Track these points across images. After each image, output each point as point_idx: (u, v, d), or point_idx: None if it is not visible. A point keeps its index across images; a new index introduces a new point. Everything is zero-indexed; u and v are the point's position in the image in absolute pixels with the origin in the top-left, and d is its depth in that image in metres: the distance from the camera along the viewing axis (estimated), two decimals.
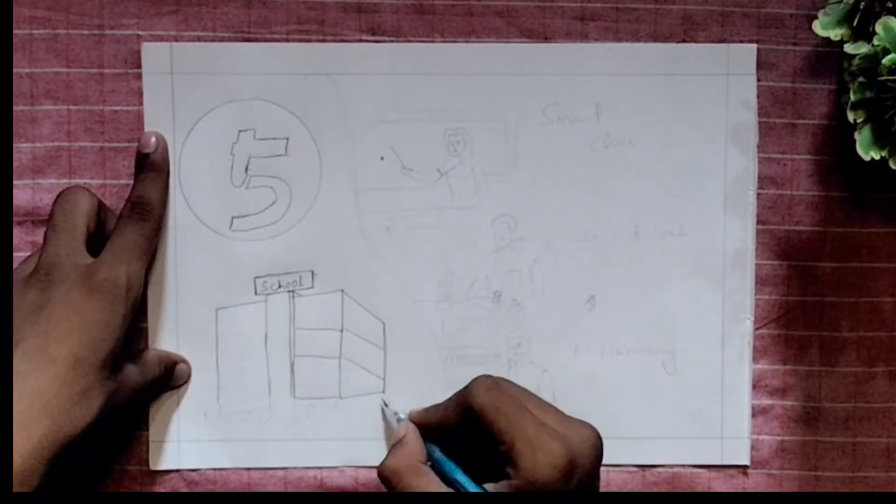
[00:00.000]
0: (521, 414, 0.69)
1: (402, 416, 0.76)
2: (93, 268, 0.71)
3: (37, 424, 0.67)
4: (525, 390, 0.72)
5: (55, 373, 0.68)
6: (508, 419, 0.69)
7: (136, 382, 0.74)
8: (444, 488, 0.70)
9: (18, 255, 0.76)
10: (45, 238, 0.73)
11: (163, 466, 0.78)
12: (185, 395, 0.78)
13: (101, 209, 0.75)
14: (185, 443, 0.78)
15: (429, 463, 0.73)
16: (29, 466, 0.66)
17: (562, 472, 0.67)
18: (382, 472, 0.71)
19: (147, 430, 0.78)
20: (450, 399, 0.74)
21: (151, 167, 0.75)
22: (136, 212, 0.73)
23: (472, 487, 0.70)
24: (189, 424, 0.78)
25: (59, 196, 0.74)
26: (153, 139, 0.76)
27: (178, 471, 0.78)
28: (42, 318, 0.70)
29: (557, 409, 0.72)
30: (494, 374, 0.77)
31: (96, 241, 0.74)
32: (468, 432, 0.71)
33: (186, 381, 0.78)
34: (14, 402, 0.67)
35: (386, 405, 0.77)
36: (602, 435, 0.72)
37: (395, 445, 0.74)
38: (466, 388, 0.72)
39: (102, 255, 0.72)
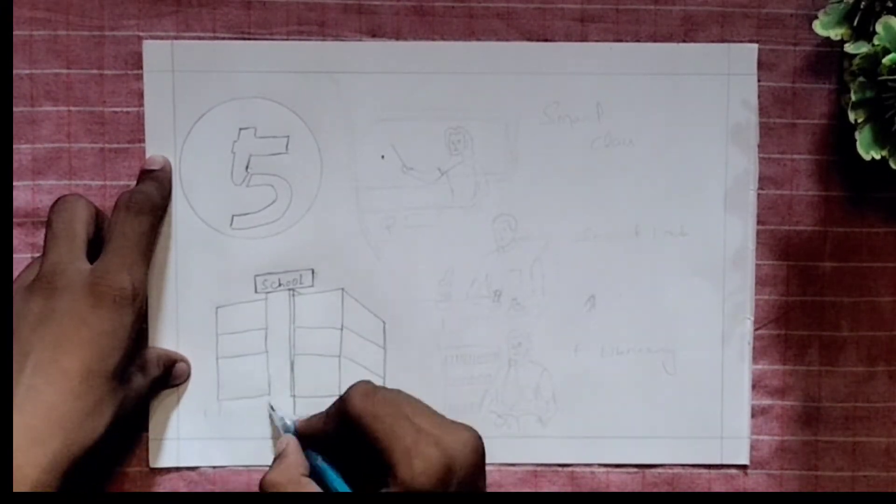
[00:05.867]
0: (397, 420, 0.69)
1: (289, 421, 0.76)
2: (96, 275, 0.70)
3: (52, 439, 0.67)
4: (404, 395, 0.72)
5: (69, 386, 0.68)
6: (385, 426, 0.68)
7: (141, 386, 0.74)
8: None
9: (18, 257, 0.76)
10: (46, 246, 0.72)
11: (162, 464, 0.77)
12: (184, 393, 0.78)
13: (98, 216, 0.75)
14: (184, 441, 0.77)
15: (311, 473, 0.73)
16: (44, 481, 0.66)
17: (438, 477, 0.67)
18: (263, 487, 0.71)
19: (147, 428, 0.78)
20: (330, 407, 0.73)
21: (153, 178, 0.76)
22: (134, 202, 0.73)
23: None
24: (189, 422, 0.77)
25: (55, 204, 0.74)
26: (160, 158, 0.76)
27: (177, 469, 0.78)
28: (50, 330, 0.69)
29: (437, 414, 0.72)
30: (494, 373, 0.77)
31: (94, 248, 0.73)
32: (351, 440, 0.71)
33: (186, 379, 0.77)
34: (28, 416, 0.67)
35: (273, 410, 0.77)
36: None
37: (276, 459, 0.74)
38: (344, 394, 0.71)
39: (103, 257, 0.72)
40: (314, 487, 0.71)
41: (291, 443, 0.74)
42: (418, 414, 0.70)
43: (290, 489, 0.70)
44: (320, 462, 0.73)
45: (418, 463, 0.67)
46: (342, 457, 0.74)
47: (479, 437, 0.70)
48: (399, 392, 0.72)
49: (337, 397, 0.73)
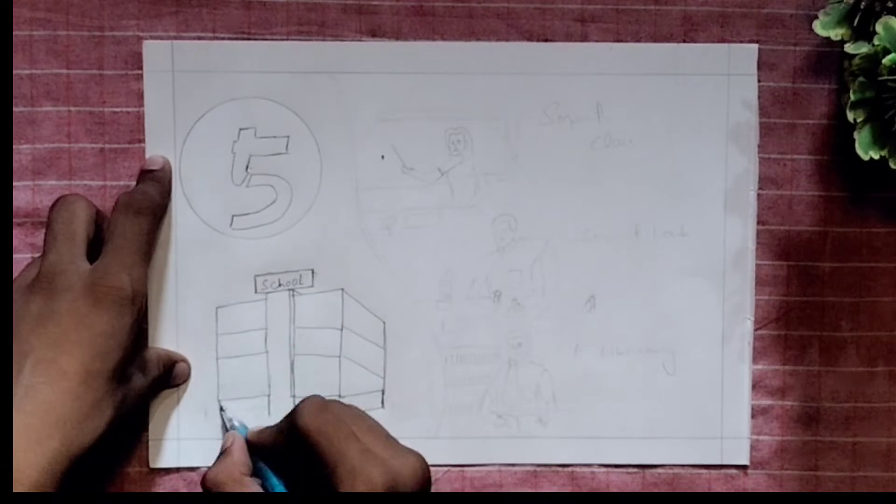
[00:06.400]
0: (345, 439, 0.69)
1: (237, 423, 0.76)
2: (96, 275, 0.70)
3: (50, 440, 0.67)
4: (356, 413, 0.72)
5: (67, 386, 0.68)
6: (332, 443, 0.68)
7: (141, 387, 0.74)
8: None
9: (18, 257, 0.76)
10: (46, 246, 0.72)
11: (162, 465, 0.78)
12: (184, 394, 0.77)
13: (98, 216, 0.75)
14: (184, 441, 0.77)
15: (253, 475, 0.73)
16: (43, 481, 0.66)
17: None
18: (204, 483, 0.72)
19: (147, 428, 0.78)
20: (282, 420, 0.73)
21: (153, 178, 0.75)
22: (134, 202, 0.73)
23: None
24: (189, 423, 0.77)
25: (55, 203, 0.74)
26: (160, 158, 0.76)
27: (177, 469, 0.78)
28: (49, 330, 0.69)
29: (387, 435, 0.72)
30: (494, 373, 0.77)
31: (94, 248, 0.73)
32: (298, 455, 0.71)
33: (186, 379, 0.77)
34: (27, 416, 0.67)
35: (223, 410, 0.77)
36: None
37: (219, 456, 0.74)
38: (295, 408, 0.71)
39: (103, 257, 0.72)
40: (255, 486, 0.71)
41: (237, 440, 0.74)
42: (367, 433, 0.70)
43: (230, 486, 0.71)
44: (263, 466, 0.74)
45: (361, 484, 0.67)
46: (288, 471, 0.74)
47: (426, 465, 0.70)
48: (351, 409, 0.72)
49: (337, 396, 0.73)
